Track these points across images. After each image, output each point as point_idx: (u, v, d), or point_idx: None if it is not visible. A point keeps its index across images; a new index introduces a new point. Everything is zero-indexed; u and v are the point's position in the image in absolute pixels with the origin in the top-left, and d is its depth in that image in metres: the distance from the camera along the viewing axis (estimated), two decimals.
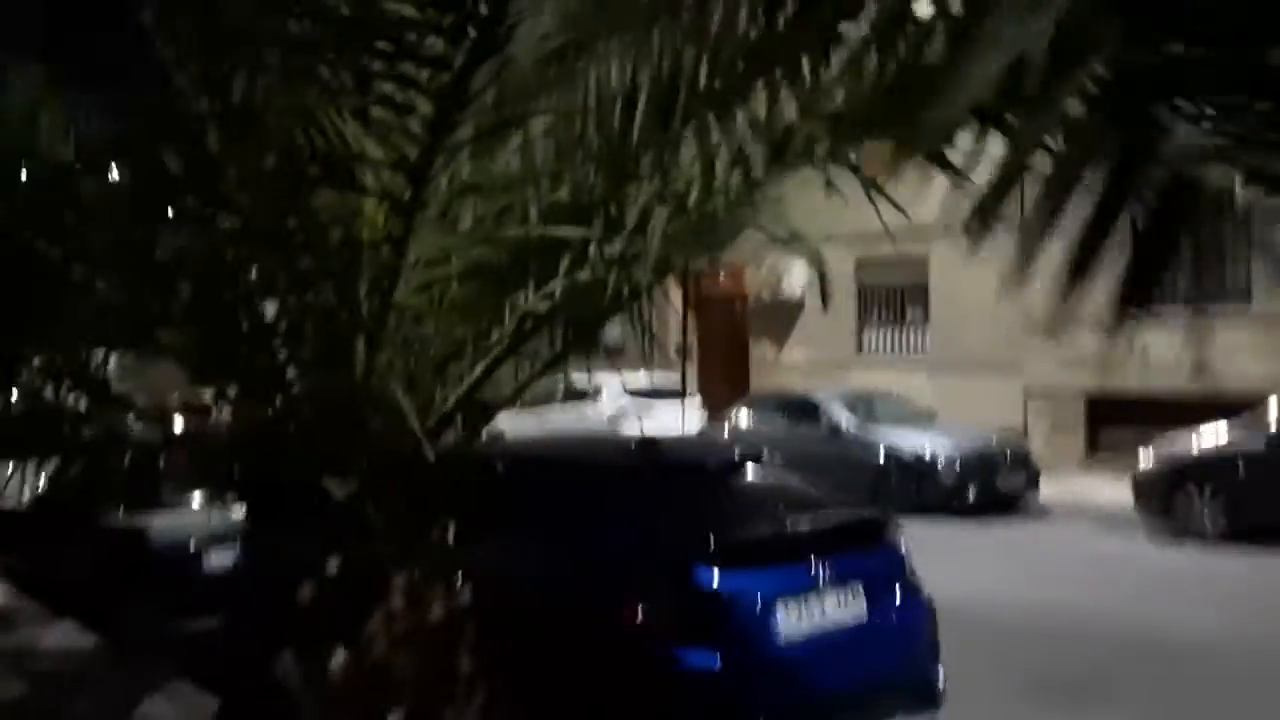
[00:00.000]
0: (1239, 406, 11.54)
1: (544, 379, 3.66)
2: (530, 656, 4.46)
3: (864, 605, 4.86)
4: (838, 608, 4.78)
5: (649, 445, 5.84)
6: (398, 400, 2.88)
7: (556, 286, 2.97)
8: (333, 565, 3.25)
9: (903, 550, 5.20)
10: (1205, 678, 6.55)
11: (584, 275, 2.95)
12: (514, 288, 3.17)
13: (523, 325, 3.24)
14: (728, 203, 2.98)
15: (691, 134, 2.82)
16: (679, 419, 16.33)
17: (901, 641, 5.05)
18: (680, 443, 7.19)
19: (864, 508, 5.34)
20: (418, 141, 2.75)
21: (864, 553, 5.04)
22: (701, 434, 15.52)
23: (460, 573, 3.58)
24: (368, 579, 3.25)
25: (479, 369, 3.25)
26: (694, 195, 2.95)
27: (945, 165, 2.48)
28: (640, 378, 18.14)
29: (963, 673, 5.21)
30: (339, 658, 3.19)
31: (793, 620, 4.61)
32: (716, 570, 4.49)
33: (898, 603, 5.01)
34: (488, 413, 3.49)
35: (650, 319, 3.50)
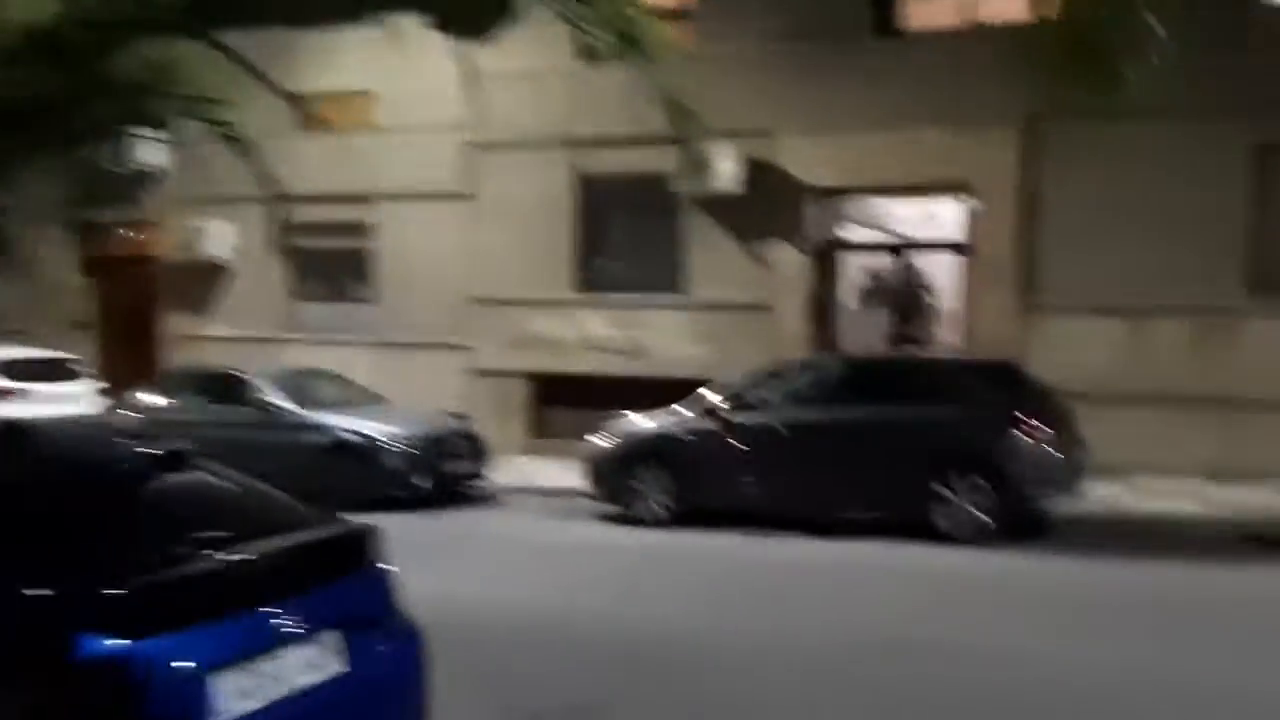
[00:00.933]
0: (677, 388, 11.84)
1: None
2: None
3: (342, 658, 3.50)
4: (306, 668, 3.37)
5: (11, 438, 3.95)
6: None
7: None
8: None
9: (389, 574, 3.93)
10: (710, 680, 5.98)
11: None
12: None
13: None
14: None
15: None
16: (70, 400, 13.52)
17: (390, 697, 3.77)
18: (63, 432, 5.19)
19: (340, 521, 3.93)
20: None
21: (341, 585, 3.65)
22: (98, 417, 12.87)
23: None
24: None
25: None
26: None
27: None
28: (18, 350, 14.85)
29: (446, 704, 4.06)
30: None
31: (239, 697, 3.12)
32: (116, 637, 2.86)
33: (385, 648, 3.71)
34: None
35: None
